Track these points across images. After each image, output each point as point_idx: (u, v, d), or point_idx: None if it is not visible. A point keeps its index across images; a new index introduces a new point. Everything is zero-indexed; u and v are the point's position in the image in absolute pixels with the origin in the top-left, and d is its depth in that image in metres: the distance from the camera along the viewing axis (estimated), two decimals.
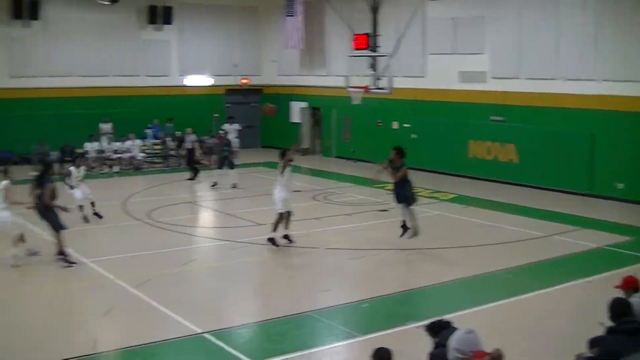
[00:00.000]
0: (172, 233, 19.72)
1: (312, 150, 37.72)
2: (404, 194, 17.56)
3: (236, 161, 28.09)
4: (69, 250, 16.43)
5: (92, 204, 20.88)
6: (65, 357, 10.88)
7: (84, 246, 17.67)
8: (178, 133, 33.37)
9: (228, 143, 27.81)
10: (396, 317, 12.88)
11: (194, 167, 28.36)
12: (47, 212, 16.19)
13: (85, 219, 20.45)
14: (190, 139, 29.06)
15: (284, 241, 17.68)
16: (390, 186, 18.27)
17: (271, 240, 17.52)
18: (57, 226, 16.26)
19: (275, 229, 17.61)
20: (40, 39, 33.08)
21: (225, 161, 26.81)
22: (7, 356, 11.19)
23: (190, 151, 28.88)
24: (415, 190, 18.15)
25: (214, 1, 37.90)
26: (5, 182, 16.07)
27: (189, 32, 37.37)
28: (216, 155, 29.22)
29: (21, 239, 16.24)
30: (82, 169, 21.44)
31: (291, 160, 17.99)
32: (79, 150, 30.01)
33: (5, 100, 32.21)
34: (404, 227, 17.71)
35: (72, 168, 21.18)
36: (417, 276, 16.12)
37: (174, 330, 12.17)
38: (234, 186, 26.34)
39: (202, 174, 28.33)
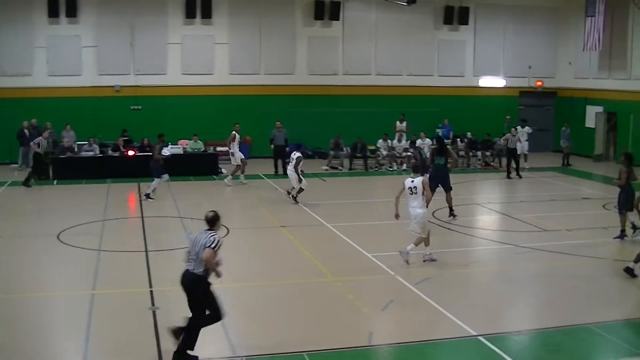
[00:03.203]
0: (455, 233, 19.79)
1: (605, 157, 36.42)
2: None
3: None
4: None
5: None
6: (340, 347, 11.42)
7: (367, 241, 18.41)
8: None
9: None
10: None
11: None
12: None
13: None
14: None
15: None
16: None
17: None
18: None
19: None
20: (339, 39, 35.70)
21: None
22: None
23: None
24: None
25: (512, 1, 38.26)
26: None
27: (484, 33, 38.41)
28: None
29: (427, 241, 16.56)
30: None
31: None
32: (371, 147, 32.37)
33: (303, 97, 34.82)
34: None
35: None
36: None
37: (449, 331, 12.22)
38: None
39: None
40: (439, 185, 21.27)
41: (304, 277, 15.75)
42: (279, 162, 29.73)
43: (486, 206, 24.17)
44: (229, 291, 14.38)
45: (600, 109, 36.48)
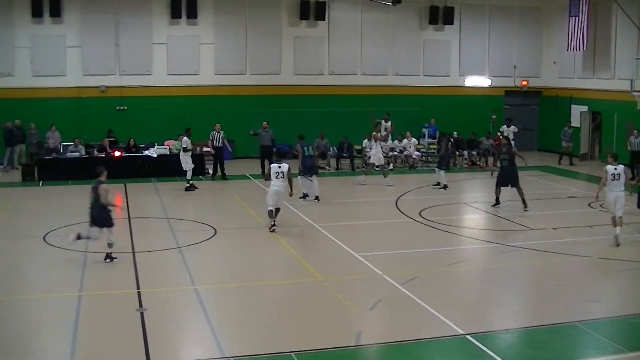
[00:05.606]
0: (442, 232, 20.03)
1: (590, 156, 36.64)
2: None
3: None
4: None
5: None
6: (328, 346, 11.59)
7: (355, 241, 18.57)
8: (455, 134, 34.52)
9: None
10: None
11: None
12: None
13: None
14: None
15: None
16: None
17: None
18: None
19: None
20: (325, 39, 36.08)
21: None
22: (279, 336, 12.08)
23: None
24: None
25: (496, 2, 38.63)
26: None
27: (469, 33, 38.58)
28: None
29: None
30: None
31: None
32: (357, 147, 32.85)
33: (289, 97, 35.25)
34: None
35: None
36: None
37: (437, 330, 12.38)
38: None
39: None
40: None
41: (292, 278, 15.83)
42: (266, 162, 29.60)
43: (472, 205, 24.23)
44: (217, 292, 14.45)
45: (584, 108, 36.45)
